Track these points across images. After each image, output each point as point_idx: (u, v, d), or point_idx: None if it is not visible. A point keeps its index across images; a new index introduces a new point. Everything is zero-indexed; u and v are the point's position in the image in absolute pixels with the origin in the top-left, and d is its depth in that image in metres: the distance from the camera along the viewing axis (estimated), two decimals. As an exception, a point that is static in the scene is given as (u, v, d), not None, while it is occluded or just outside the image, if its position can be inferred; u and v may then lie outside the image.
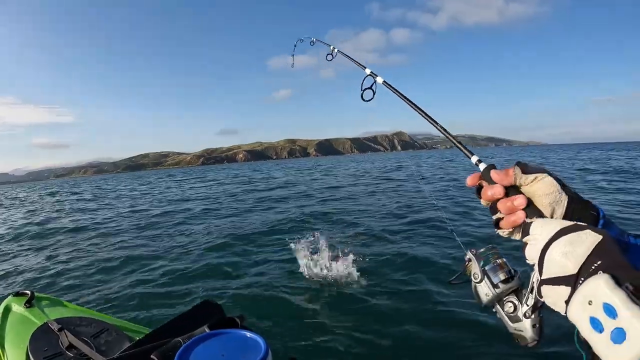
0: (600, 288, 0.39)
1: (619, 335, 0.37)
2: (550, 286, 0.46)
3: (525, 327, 0.60)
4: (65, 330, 1.31)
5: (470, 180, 0.67)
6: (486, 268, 0.64)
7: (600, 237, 0.44)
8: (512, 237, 0.62)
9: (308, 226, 6.75)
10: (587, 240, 0.44)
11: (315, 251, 4.49)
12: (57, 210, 13.54)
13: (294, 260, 4.56)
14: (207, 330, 1.10)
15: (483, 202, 0.65)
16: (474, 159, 0.72)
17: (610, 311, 0.38)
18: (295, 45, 2.73)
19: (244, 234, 6.55)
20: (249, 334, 0.95)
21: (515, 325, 0.61)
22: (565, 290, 0.44)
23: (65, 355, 1.21)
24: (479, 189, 0.66)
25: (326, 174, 23.14)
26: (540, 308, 0.59)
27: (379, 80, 1.14)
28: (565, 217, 0.58)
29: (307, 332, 2.95)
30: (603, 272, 0.41)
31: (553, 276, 0.46)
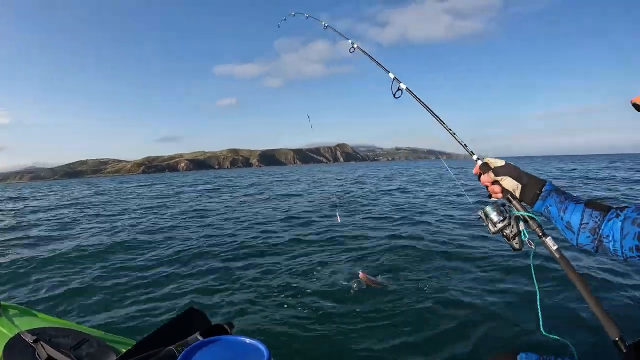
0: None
1: None
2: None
3: (514, 244, 1.13)
4: (42, 342, 1.22)
5: (475, 170, 1.26)
6: (491, 215, 1.16)
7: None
8: (496, 199, 1.19)
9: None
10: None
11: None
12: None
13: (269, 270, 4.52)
14: (200, 338, 1.06)
15: (482, 183, 1.23)
16: (475, 157, 1.29)
17: None
18: (284, 19, 2.71)
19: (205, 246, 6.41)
20: (247, 340, 0.93)
21: (510, 242, 1.13)
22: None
23: (43, 369, 1.12)
24: (479, 176, 1.23)
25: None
26: (518, 234, 1.12)
27: (403, 86, 1.39)
28: (520, 195, 1.16)
29: (297, 337, 2.93)
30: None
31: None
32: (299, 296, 3.71)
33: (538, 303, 1.13)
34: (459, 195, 12.36)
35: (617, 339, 1.01)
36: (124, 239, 7.25)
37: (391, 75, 1.52)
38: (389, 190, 15.88)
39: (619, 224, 0.97)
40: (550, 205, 1.10)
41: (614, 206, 1.03)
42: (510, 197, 1.16)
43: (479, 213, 1.19)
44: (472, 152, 1.31)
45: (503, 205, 1.17)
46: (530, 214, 1.12)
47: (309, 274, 4.42)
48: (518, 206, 1.15)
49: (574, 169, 26.25)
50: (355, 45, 1.81)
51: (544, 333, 1.08)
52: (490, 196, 1.21)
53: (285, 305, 3.49)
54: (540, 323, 1.09)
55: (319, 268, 4.65)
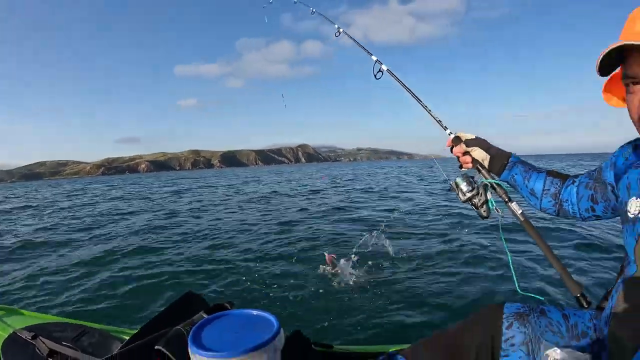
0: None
1: None
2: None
3: (482, 212, 1.24)
4: (41, 337, 1.22)
5: (448, 143, 1.35)
6: (461, 185, 1.26)
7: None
8: (466, 170, 1.30)
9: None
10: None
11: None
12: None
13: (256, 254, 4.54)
14: (205, 316, 1.09)
15: (453, 154, 1.32)
16: (448, 132, 1.38)
17: None
18: (271, 2, 2.66)
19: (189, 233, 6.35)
20: (255, 312, 0.94)
21: (478, 210, 1.24)
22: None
23: (48, 363, 1.13)
24: (451, 148, 1.33)
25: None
26: (486, 203, 1.23)
27: (384, 67, 1.46)
28: (489, 166, 1.25)
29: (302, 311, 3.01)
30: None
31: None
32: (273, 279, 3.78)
33: (511, 266, 1.22)
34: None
35: (578, 295, 1.14)
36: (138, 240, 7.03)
37: (374, 58, 1.59)
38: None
39: (575, 189, 1.09)
40: (516, 174, 1.20)
41: (571, 174, 1.15)
42: (479, 167, 1.26)
43: (451, 183, 1.29)
44: (445, 126, 1.40)
45: (472, 177, 1.27)
46: (497, 181, 1.23)
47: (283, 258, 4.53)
48: (486, 175, 1.25)
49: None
50: (340, 30, 1.85)
51: (520, 292, 1.20)
52: (461, 167, 1.31)
53: (272, 288, 3.56)
54: (516, 284, 1.20)
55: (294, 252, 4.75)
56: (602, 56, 0.68)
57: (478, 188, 1.24)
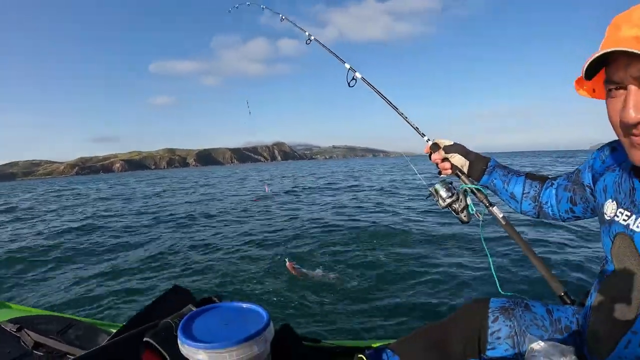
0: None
1: None
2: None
3: (462, 217, 1.26)
4: (26, 330, 1.21)
5: (426, 150, 1.36)
6: (441, 191, 1.26)
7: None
8: (445, 176, 1.31)
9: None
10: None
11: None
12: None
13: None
14: (194, 309, 1.09)
15: (432, 161, 1.33)
16: (425, 138, 1.38)
17: None
18: (237, 7, 2.58)
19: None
20: (244, 305, 0.94)
21: (459, 215, 1.26)
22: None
23: (33, 356, 1.12)
24: (429, 155, 1.34)
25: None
26: (466, 208, 1.25)
27: (358, 75, 1.44)
28: (468, 171, 1.26)
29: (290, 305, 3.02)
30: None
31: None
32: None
33: (492, 268, 1.25)
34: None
35: (562, 294, 1.17)
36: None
37: (347, 66, 1.56)
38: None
39: (554, 191, 1.11)
40: (496, 179, 1.22)
41: (549, 176, 1.17)
42: (458, 173, 1.27)
43: (430, 189, 1.30)
44: (423, 133, 1.40)
45: (450, 182, 1.29)
46: (477, 186, 1.25)
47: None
48: (466, 180, 1.26)
49: (510, 165, 28.48)
50: (312, 38, 1.80)
51: (502, 293, 1.23)
52: (440, 173, 1.32)
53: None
54: (497, 285, 1.23)
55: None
56: (587, 63, 0.69)
57: (458, 194, 1.26)
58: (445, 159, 1.29)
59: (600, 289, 0.87)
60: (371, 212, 7.47)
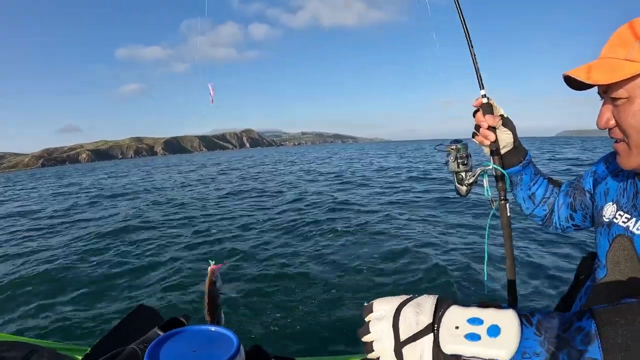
0: (459, 311, 0.47)
1: (494, 330, 0.44)
2: (413, 343, 0.47)
3: (462, 189, 1.11)
4: (-18, 360, 1.12)
5: (475, 103, 1.09)
6: (461, 153, 1.09)
7: (436, 297, 0.51)
8: (481, 146, 1.11)
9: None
10: (429, 299, 0.50)
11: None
12: None
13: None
14: (160, 333, 1.03)
15: (475, 120, 1.09)
16: (482, 92, 1.10)
17: (474, 321, 0.45)
18: None
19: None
20: (213, 328, 0.91)
21: (461, 185, 1.10)
22: (428, 338, 0.46)
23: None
24: (475, 112, 1.09)
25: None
26: (472, 184, 1.10)
27: None
28: (504, 157, 1.09)
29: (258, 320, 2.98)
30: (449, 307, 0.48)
31: (412, 333, 0.47)
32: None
33: (485, 267, 1.17)
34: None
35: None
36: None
37: None
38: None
39: (559, 198, 1.10)
40: (526, 174, 1.12)
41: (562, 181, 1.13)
42: (494, 150, 1.10)
43: (451, 147, 1.11)
44: (483, 85, 1.15)
45: (469, 153, 1.12)
46: (506, 173, 1.11)
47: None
48: (497, 162, 1.11)
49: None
50: None
51: (487, 292, 1.20)
52: (473, 136, 1.11)
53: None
54: (485, 276, 1.10)
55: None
56: (563, 79, 0.75)
57: (472, 167, 1.10)
58: (491, 128, 1.07)
59: (592, 295, 0.86)
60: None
